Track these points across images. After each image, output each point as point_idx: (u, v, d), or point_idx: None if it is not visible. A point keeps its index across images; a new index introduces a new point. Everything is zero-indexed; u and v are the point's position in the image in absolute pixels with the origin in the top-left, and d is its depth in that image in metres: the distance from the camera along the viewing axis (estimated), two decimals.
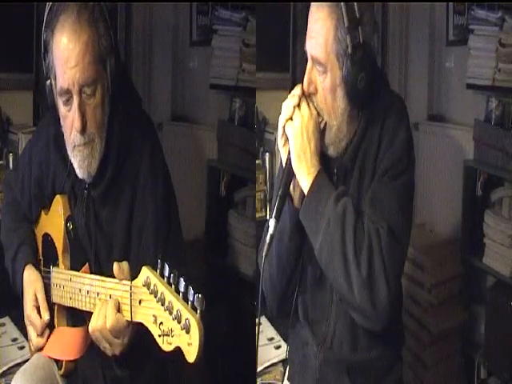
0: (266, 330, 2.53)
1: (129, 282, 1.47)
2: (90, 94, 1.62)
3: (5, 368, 2.34)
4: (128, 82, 1.79)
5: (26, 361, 1.88)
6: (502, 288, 2.72)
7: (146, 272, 1.43)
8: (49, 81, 1.65)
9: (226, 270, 2.77)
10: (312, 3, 1.56)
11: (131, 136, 1.72)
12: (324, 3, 1.53)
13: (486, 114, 2.85)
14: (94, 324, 1.53)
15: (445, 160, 3.02)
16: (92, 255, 1.72)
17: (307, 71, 1.57)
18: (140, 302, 1.44)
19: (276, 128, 2.78)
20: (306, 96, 1.57)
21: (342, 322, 1.61)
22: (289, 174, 1.56)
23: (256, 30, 2.68)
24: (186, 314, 1.31)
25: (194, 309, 1.31)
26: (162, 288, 1.37)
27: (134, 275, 1.48)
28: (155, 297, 1.38)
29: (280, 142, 1.59)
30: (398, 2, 3.14)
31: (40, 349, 1.75)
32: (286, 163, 1.57)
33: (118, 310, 1.50)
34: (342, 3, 1.50)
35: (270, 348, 2.47)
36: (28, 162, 1.88)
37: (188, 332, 1.30)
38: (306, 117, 1.55)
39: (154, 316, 1.39)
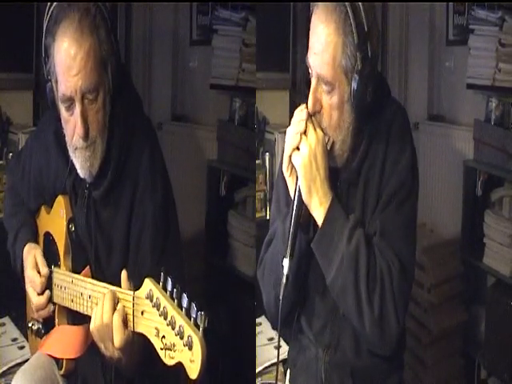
0: (265, 330, 2.54)
1: (131, 292, 1.46)
2: (92, 99, 1.62)
3: (5, 368, 2.34)
4: (128, 82, 1.79)
5: (26, 361, 1.88)
6: (502, 288, 2.72)
7: (148, 284, 1.41)
8: (49, 83, 1.65)
9: (225, 270, 2.77)
10: (314, 17, 1.50)
11: (132, 137, 1.72)
12: (330, 18, 1.47)
13: (485, 114, 2.85)
14: (93, 324, 1.53)
15: (445, 160, 3.02)
16: (92, 255, 1.72)
17: (312, 90, 1.51)
18: (142, 313, 1.43)
19: (276, 128, 2.83)
20: (312, 116, 1.51)
21: (346, 332, 1.61)
22: (299, 206, 1.51)
23: (256, 30, 2.68)
24: (188, 330, 1.30)
25: (197, 325, 1.30)
26: (164, 302, 1.36)
27: (133, 281, 1.49)
28: (158, 310, 1.37)
29: (286, 172, 1.54)
30: (398, 1, 3.14)
31: (42, 308, 1.75)
32: (294, 194, 1.53)
33: (125, 324, 1.48)
34: (352, 19, 1.45)
35: (270, 348, 2.47)
36: (29, 159, 1.89)
37: (190, 349, 1.29)
38: (313, 144, 1.49)
39: (156, 329, 1.38)
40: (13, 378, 1.81)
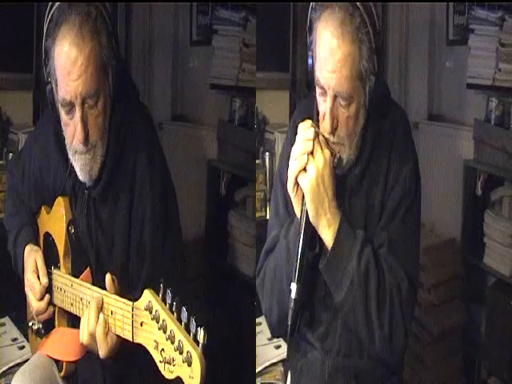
0: (266, 329, 2.53)
1: (131, 303, 1.46)
2: (93, 104, 1.60)
3: (5, 368, 2.34)
4: (127, 79, 1.77)
5: (26, 361, 1.88)
6: (502, 288, 2.72)
7: (147, 296, 1.40)
8: (49, 85, 1.63)
9: (226, 270, 2.77)
10: (323, 27, 1.45)
11: (131, 133, 1.70)
12: (343, 30, 1.42)
13: (485, 114, 2.85)
14: (85, 339, 1.55)
15: (445, 160, 3.02)
16: (93, 256, 1.71)
17: (329, 109, 1.46)
18: (141, 324, 1.42)
19: (276, 128, 2.82)
20: (318, 135, 1.47)
21: (348, 336, 1.60)
22: (306, 229, 1.48)
23: (256, 29, 2.68)
24: (187, 346, 1.29)
25: (196, 340, 1.29)
26: (163, 315, 1.35)
27: (134, 279, 1.48)
28: (157, 323, 1.36)
29: (291, 192, 1.50)
30: (398, 1, 3.14)
31: (42, 313, 1.75)
32: (300, 216, 1.49)
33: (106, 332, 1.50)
34: (369, 25, 1.42)
35: (270, 348, 2.47)
36: (28, 158, 1.88)
37: (190, 365, 1.28)
38: (321, 165, 1.44)
39: (155, 341, 1.37)
40: (13, 377, 1.81)
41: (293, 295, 1.47)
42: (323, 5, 1.47)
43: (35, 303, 1.75)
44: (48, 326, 1.79)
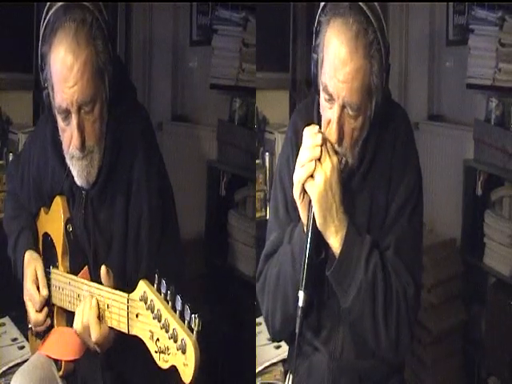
0: (265, 329, 2.53)
1: (126, 295, 1.46)
2: (89, 110, 1.59)
3: (5, 368, 2.34)
4: (125, 81, 1.76)
5: (26, 361, 1.88)
6: (502, 288, 2.72)
7: (142, 286, 1.41)
8: (46, 90, 1.62)
9: (225, 270, 2.77)
10: (334, 36, 1.43)
11: (126, 133, 1.69)
12: (356, 43, 1.41)
13: (485, 114, 2.86)
14: (78, 328, 1.56)
15: (445, 160, 3.02)
16: (91, 255, 1.71)
17: (336, 118, 1.45)
18: (137, 315, 1.43)
19: (276, 128, 2.82)
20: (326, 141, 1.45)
21: (351, 338, 1.60)
22: (313, 236, 1.47)
23: (256, 30, 2.69)
24: (182, 334, 1.29)
25: (191, 328, 1.29)
26: (158, 304, 1.36)
27: (132, 276, 1.48)
28: (152, 312, 1.37)
29: (298, 199, 1.47)
30: (398, 2, 3.14)
31: (40, 325, 1.75)
32: (307, 223, 1.47)
33: (99, 317, 1.52)
34: (382, 44, 1.42)
35: (270, 348, 2.47)
36: (27, 160, 1.88)
37: (184, 352, 1.29)
38: (329, 172, 1.43)
39: (150, 332, 1.38)
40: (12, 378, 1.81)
41: (300, 303, 1.46)
42: (335, 10, 1.45)
43: (34, 315, 1.74)
44: (48, 327, 1.78)
